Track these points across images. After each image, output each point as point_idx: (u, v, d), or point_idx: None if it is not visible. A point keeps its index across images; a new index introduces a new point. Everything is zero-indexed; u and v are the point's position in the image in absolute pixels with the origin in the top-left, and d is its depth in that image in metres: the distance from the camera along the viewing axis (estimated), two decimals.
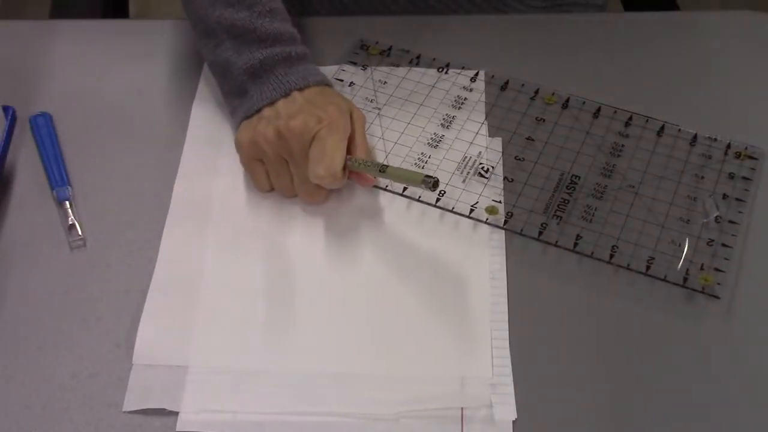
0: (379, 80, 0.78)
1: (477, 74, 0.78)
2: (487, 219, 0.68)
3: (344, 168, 0.65)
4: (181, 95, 0.77)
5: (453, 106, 0.76)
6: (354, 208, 0.69)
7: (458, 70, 0.79)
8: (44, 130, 0.74)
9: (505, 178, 0.70)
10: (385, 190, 0.70)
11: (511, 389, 0.59)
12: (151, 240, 0.67)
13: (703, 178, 0.70)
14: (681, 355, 0.61)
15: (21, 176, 0.72)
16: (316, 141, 0.64)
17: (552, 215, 0.68)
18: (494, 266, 0.65)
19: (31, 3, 1.71)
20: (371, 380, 0.60)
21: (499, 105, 0.76)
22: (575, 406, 0.59)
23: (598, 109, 0.75)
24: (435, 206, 0.69)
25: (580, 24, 0.85)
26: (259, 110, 0.68)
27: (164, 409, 0.58)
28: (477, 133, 0.74)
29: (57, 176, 0.70)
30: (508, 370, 0.60)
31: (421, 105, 0.76)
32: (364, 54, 0.80)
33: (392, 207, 0.69)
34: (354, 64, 0.79)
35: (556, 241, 0.66)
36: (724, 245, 0.66)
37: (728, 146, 0.73)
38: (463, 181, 0.70)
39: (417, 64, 0.79)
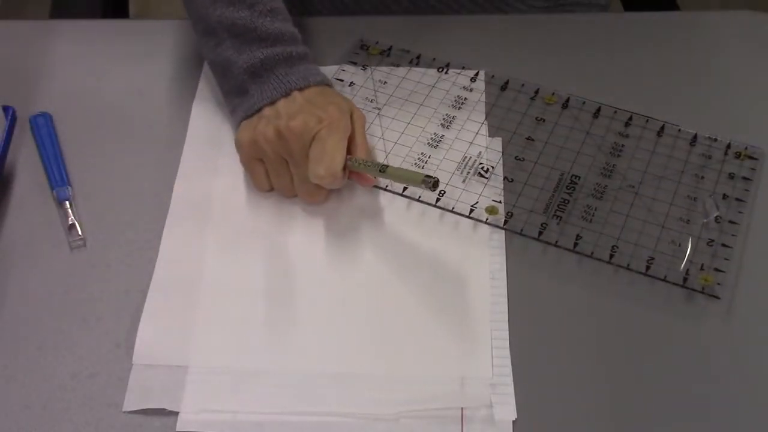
0: (379, 80, 0.78)
1: (477, 74, 0.78)
2: (487, 219, 0.68)
3: (344, 168, 0.65)
4: (181, 95, 0.77)
5: (453, 106, 0.76)
6: (354, 208, 0.69)
7: (458, 70, 0.79)
8: (44, 130, 0.74)
9: (505, 178, 0.70)
10: (385, 190, 0.70)
11: (511, 389, 0.59)
12: (151, 240, 0.67)
13: (703, 178, 0.70)
14: (681, 355, 0.61)
15: (21, 176, 0.72)
16: (317, 141, 0.64)
17: (552, 215, 0.68)
18: (494, 266, 0.65)
19: (31, 3, 1.71)
20: (371, 380, 0.60)
21: (499, 105, 0.76)
22: (575, 406, 0.59)
23: (598, 109, 0.75)
24: (435, 206, 0.69)
25: (581, 24, 0.85)
26: (259, 110, 0.68)
27: (164, 409, 0.58)
28: (477, 133, 0.74)
29: (57, 176, 0.70)
30: (508, 370, 0.60)
31: (421, 105, 0.76)
32: (364, 54, 0.80)
33: (392, 207, 0.69)
34: (354, 64, 0.79)
35: (556, 241, 0.66)
36: (724, 245, 0.66)
37: (728, 146, 0.73)
38: (463, 181, 0.70)
39: (417, 64, 0.79)
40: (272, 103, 0.68)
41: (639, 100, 0.76)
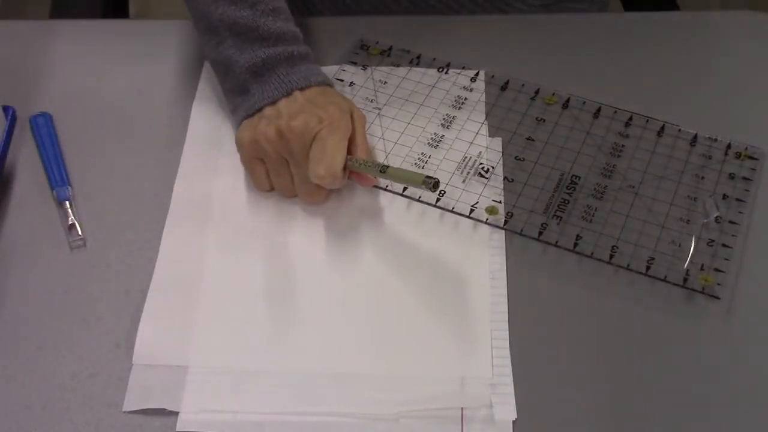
0: (380, 80, 0.78)
1: (477, 74, 0.78)
2: (487, 219, 0.68)
3: (344, 168, 0.65)
4: (181, 95, 0.77)
5: (453, 106, 0.76)
6: (354, 208, 0.69)
7: (458, 70, 0.79)
8: (44, 130, 0.74)
9: (505, 178, 0.70)
10: (386, 190, 0.70)
11: (511, 389, 0.59)
12: (151, 240, 0.67)
13: (703, 178, 0.70)
14: (681, 355, 0.61)
15: (21, 176, 0.72)
16: (317, 141, 0.64)
17: (552, 215, 0.68)
18: (494, 266, 0.65)
19: (31, 3, 1.71)
20: (371, 380, 0.60)
21: (499, 105, 0.76)
22: (575, 406, 0.59)
23: (599, 110, 0.75)
24: (435, 206, 0.69)
25: (581, 24, 0.85)
26: (260, 109, 0.68)
27: (164, 409, 0.58)
28: (477, 133, 0.74)
29: (57, 176, 0.70)
30: (508, 370, 0.60)
31: (422, 105, 0.76)
32: (365, 54, 0.80)
33: (392, 207, 0.69)
34: (354, 64, 0.79)
35: (556, 242, 0.66)
36: (724, 245, 0.66)
37: (728, 146, 0.73)
38: (463, 181, 0.70)
39: (417, 64, 0.79)
40: (273, 102, 0.68)
41: (639, 100, 0.76)
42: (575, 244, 0.66)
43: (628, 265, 0.65)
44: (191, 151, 0.73)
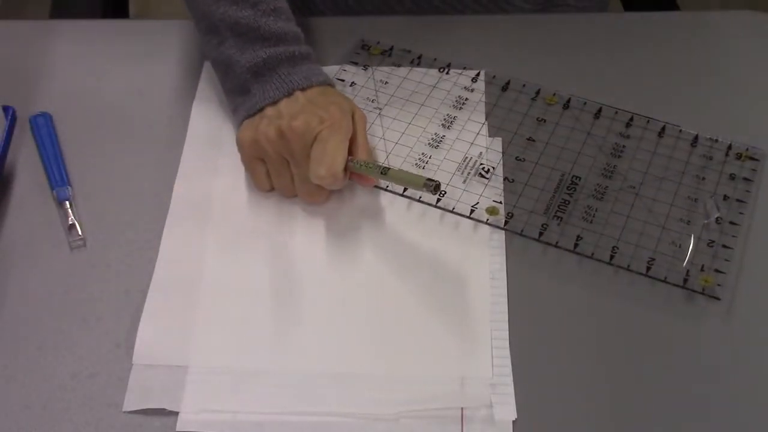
0: (381, 80, 0.78)
1: (478, 74, 0.78)
2: (487, 219, 0.68)
3: (345, 169, 0.65)
4: (181, 95, 0.77)
5: (454, 106, 0.76)
6: (354, 209, 0.69)
7: (459, 71, 0.79)
8: (44, 130, 0.73)
9: (505, 178, 0.70)
10: (386, 190, 0.70)
11: (511, 389, 0.59)
12: (151, 240, 0.67)
13: (704, 179, 0.70)
14: (681, 355, 0.61)
15: (21, 176, 0.71)
16: (318, 141, 0.64)
17: (552, 216, 0.68)
18: (494, 266, 0.65)
19: (31, 3, 1.71)
20: (371, 380, 0.60)
21: (500, 105, 0.76)
22: (575, 406, 0.59)
23: (599, 110, 0.75)
24: (435, 207, 0.69)
25: (582, 24, 0.85)
26: (261, 109, 0.68)
27: (164, 409, 0.58)
28: (478, 134, 0.74)
29: (57, 176, 0.70)
30: (508, 370, 0.60)
31: (422, 105, 0.76)
32: (366, 54, 0.80)
33: (393, 207, 0.69)
34: (355, 64, 0.79)
35: (557, 242, 0.66)
36: (724, 246, 0.66)
37: (729, 147, 0.73)
38: (464, 181, 0.70)
39: (418, 65, 0.79)
40: (274, 102, 0.67)
41: (640, 101, 0.76)
42: (576, 245, 0.66)
43: (629, 266, 0.65)
44: (191, 151, 0.73)
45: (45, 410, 0.58)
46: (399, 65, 0.79)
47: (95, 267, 0.66)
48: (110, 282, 0.65)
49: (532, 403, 0.58)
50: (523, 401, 0.58)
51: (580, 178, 0.70)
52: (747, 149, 0.72)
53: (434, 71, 0.79)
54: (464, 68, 0.79)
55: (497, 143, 0.73)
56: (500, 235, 0.67)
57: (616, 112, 0.75)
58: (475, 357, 0.60)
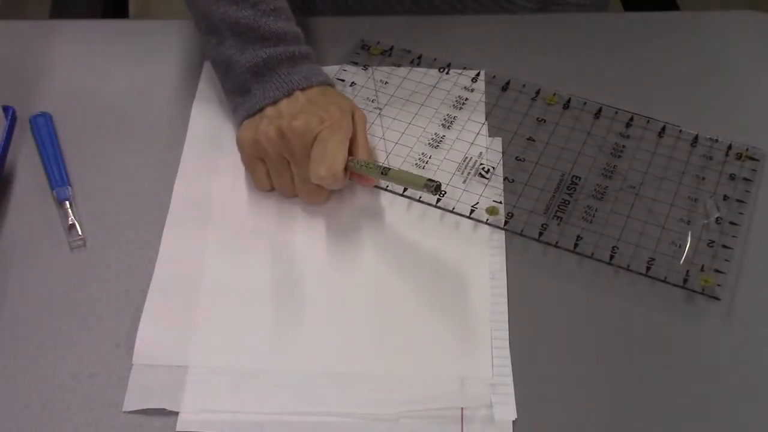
0: (381, 80, 0.78)
1: (478, 74, 0.78)
2: (487, 219, 0.68)
3: (345, 169, 0.65)
4: (181, 95, 0.77)
5: (454, 106, 0.76)
6: (354, 209, 0.69)
7: (459, 71, 0.79)
8: (44, 130, 0.73)
9: (505, 178, 0.70)
10: (386, 190, 0.70)
11: (511, 389, 0.59)
12: (151, 240, 0.67)
13: (704, 179, 0.70)
14: (681, 355, 0.61)
15: (21, 176, 0.71)
16: (318, 141, 0.64)
17: (552, 216, 0.68)
18: (494, 266, 0.65)
19: (31, 3, 1.71)
20: (371, 380, 0.60)
21: (500, 105, 0.76)
22: (575, 406, 0.59)
23: (599, 110, 0.75)
24: (435, 207, 0.69)
25: (582, 24, 0.85)
26: (261, 109, 0.68)
27: (164, 409, 0.58)
28: (478, 134, 0.74)
29: (57, 176, 0.70)
30: (508, 370, 0.60)
31: (422, 105, 0.76)
32: (366, 54, 0.80)
33: (393, 207, 0.69)
34: (355, 64, 0.79)
35: (557, 242, 0.66)
36: (724, 246, 0.66)
37: (729, 147, 0.73)
38: (464, 181, 0.70)
39: (418, 65, 0.79)
40: (274, 102, 0.68)
41: (640, 101, 0.76)
42: (575, 245, 0.66)
43: (629, 266, 0.65)
44: (191, 151, 0.73)
45: (45, 410, 0.58)
46: (399, 65, 0.79)
47: (95, 267, 0.66)
48: (110, 282, 0.65)
49: (532, 403, 0.58)
50: (523, 401, 0.58)
51: (580, 178, 0.70)
52: (747, 149, 0.72)
53: (434, 71, 0.79)
54: (464, 68, 0.79)
55: (497, 143, 0.73)
56: (500, 235, 0.67)
57: (616, 112, 0.75)
58: (475, 357, 0.60)
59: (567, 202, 0.69)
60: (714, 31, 0.84)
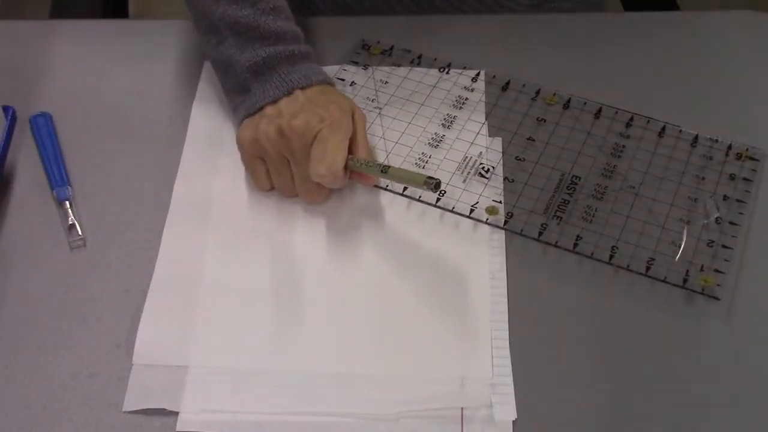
0: (381, 80, 0.78)
1: (478, 74, 0.78)
2: (487, 219, 0.68)
3: (345, 168, 0.65)
4: (181, 95, 0.77)
5: (454, 106, 0.76)
6: (354, 208, 0.69)
7: (459, 70, 0.79)
8: (44, 130, 0.73)
9: (505, 178, 0.70)
10: (386, 189, 0.70)
11: (511, 389, 0.59)
12: (151, 240, 0.67)
13: (703, 179, 0.70)
14: (681, 355, 0.61)
15: (21, 176, 0.71)
16: (318, 140, 0.64)
17: (552, 216, 0.68)
18: (494, 266, 0.65)
19: (31, 3, 1.71)
20: (371, 380, 0.60)
21: (500, 105, 0.76)
22: (575, 406, 0.59)
23: (599, 110, 0.75)
24: (435, 206, 0.69)
25: (582, 24, 0.85)
26: (261, 108, 0.68)
27: (164, 409, 0.58)
28: (478, 134, 0.74)
29: (57, 176, 0.70)
30: (508, 370, 0.60)
31: (422, 105, 0.76)
32: (366, 54, 0.80)
33: (393, 207, 0.69)
34: (355, 63, 0.79)
35: (556, 242, 0.66)
36: (724, 246, 0.66)
37: (729, 147, 0.73)
38: (464, 181, 0.70)
39: (418, 64, 0.79)
40: (274, 101, 0.68)
41: (640, 101, 0.76)
42: (575, 245, 0.66)
43: (628, 266, 0.65)
44: (191, 151, 0.73)
45: (45, 410, 0.58)
46: (399, 65, 0.79)
47: (95, 267, 0.66)
48: (110, 282, 0.65)
49: (532, 403, 0.58)
50: (523, 401, 0.58)
51: (580, 178, 0.70)
52: (747, 149, 0.72)
53: (434, 71, 0.79)
54: (464, 68, 0.79)
55: (497, 143, 0.73)
56: (500, 235, 0.67)
57: (616, 112, 0.75)
58: (475, 357, 0.60)
59: (567, 202, 0.69)
60: (714, 31, 0.84)
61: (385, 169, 0.64)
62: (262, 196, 0.69)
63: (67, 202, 0.69)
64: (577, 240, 0.66)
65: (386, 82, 0.78)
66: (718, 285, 0.64)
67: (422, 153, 0.72)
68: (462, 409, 0.58)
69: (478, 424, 0.57)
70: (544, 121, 0.75)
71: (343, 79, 0.78)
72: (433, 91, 0.77)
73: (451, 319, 0.63)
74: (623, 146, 0.73)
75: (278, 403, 0.58)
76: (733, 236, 0.67)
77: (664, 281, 0.64)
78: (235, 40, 0.69)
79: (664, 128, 0.74)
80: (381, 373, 0.60)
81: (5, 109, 0.74)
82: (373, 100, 0.76)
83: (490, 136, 0.74)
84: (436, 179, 0.61)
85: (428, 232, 0.67)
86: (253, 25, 0.68)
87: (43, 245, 0.67)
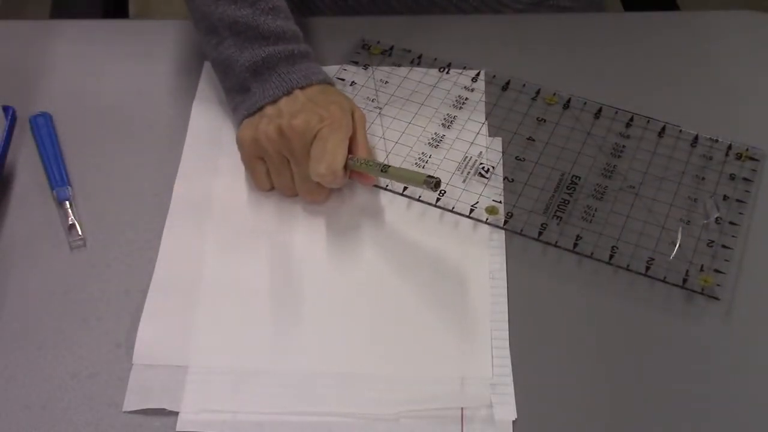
0: (381, 80, 0.78)
1: (478, 74, 0.78)
2: (487, 219, 0.68)
3: (345, 167, 0.65)
4: (181, 95, 0.77)
5: (454, 106, 0.76)
6: (354, 208, 0.69)
7: (459, 70, 0.79)
8: (44, 130, 0.73)
9: (505, 178, 0.70)
10: (386, 189, 0.70)
11: (511, 389, 0.59)
12: (151, 240, 0.67)
13: (703, 179, 0.70)
14: (681, 355, 0.61)
15: (21, 176, 0.71)
16: (318, 140, 0.64)
17: (552, 216, 0.68)
18: (494, 266, 0.65)
19: (31, 3, 1.71)
20: (371, 380, 0.60)
21: (500, 105, 0.76)
22: (575, 406, 0.59)
23: (600, 110, 0.75)
24: (435, 206, 0.69)
25: (582, 24, 0.85)
26: (261, 108, 0.68)
27: (164, 409, 0.58)
28: (478, 133, 0.74)
29: (57, 176, 0.70)
30: (508, 370, 0.60)
31: (422, 105, 0.76)
32: (366, 54, 0.80)
33: (393, 206, 0.69)
34: (355, 63, 0.79)
35: (556, 242, 0.66)
36: (724, 246, 0.66)
37: (729, 147, 0.73)
38: (464, 181, 0.70)
39: (418, 64, 0.79)
40: (274, 101, 0.68)
41: (640, 101, 0.76)
42: (575, 245, 0.66)
43: (628, 266, 0.65)
44: (191, 151, 0.73)
45: (45, 410, 0.58)
46: (399, 65, 0.79)
47: (95, 267, 0.66)
48: (110, 282, 0.65)
49: (532, 403, 0.58)
50: (523, 401, 0.58)
51: (579, 178, 0.70)
52: (747, 149, 0.72)
53: (434, 71, 0.79)
54: (464, 68, 0.79)
55: (497, 143, 0.73)
56: (500, 235, 0.67)
57: (616, 112, 0.75)
58: (475, 357, 0.60)
59: (567, 202, 0.69)
60: (714, 31, 0.84)
61: (385, 169, 0.64)
62: (262, 196, 0.69)
63: (67, 202, 0.69)
64: (576, 240, 0.66)
65: (386, 82, 0.78)
66: (718, 285, 0.64)
67: (422, 153, 0.72)
68: (462, 409, 0.58)
69: (478, 424, 0.57)
70: (544, 121, 0.75)
71: (343, 79, 0.78)
72: (433, 91, 0.77)
73: (451, 319, 0.63)
74: (623, 146, 0.73)
75: (278, 403, 0.59)
76: (733, 236, 0.67)
77: (663, 281, 0.64)
78: (235, 40, 0.69)
79: (664, 128, 0.74)
80: (381, 373, 0.60)
81: (5, 109, 0.74)
82: (373, 100, 0.76)
83: (490, 136, 0.74)
84: (436, 178, 0.61)
85: (428, 231, 0.67)
86: (252, 24, 0.68)
87: (43, 245, 0.67)
